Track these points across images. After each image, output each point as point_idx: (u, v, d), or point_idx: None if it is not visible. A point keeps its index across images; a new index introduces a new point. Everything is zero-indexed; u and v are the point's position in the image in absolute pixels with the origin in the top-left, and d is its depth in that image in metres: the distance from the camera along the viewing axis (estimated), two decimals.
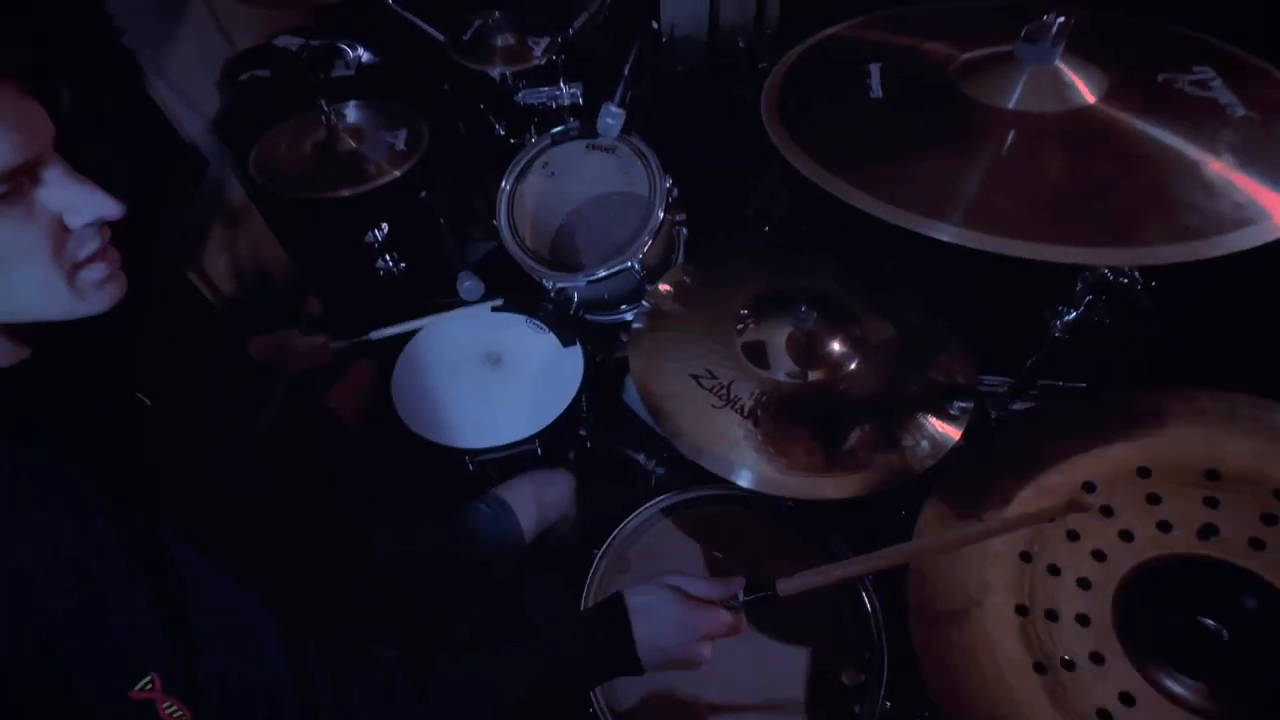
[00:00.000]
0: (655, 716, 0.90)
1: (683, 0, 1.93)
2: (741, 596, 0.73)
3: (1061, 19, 0.64)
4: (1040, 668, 0.64)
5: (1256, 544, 0.65)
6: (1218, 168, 0.60)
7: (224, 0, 1.66)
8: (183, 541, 0.58)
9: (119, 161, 1.38)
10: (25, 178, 0.51)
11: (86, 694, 0.52)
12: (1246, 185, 0.58)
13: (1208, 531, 0.68)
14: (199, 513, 0.62)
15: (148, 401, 0.68)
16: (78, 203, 0.54)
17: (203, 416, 0.76)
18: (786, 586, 0.71)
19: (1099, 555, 0.69)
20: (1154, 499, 0.71)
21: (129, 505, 0.56)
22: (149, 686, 0.52)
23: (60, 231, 0.54)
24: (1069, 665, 0.64)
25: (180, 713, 0.53)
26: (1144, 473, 0.72)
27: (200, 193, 1.67)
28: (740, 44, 1.96)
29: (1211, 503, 0.69)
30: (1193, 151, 0.61)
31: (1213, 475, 0.70)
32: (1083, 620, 0.65)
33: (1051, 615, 0.67)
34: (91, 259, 0.56)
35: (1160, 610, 0.66)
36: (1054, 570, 0.69)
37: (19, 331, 0.59)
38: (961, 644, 0.67)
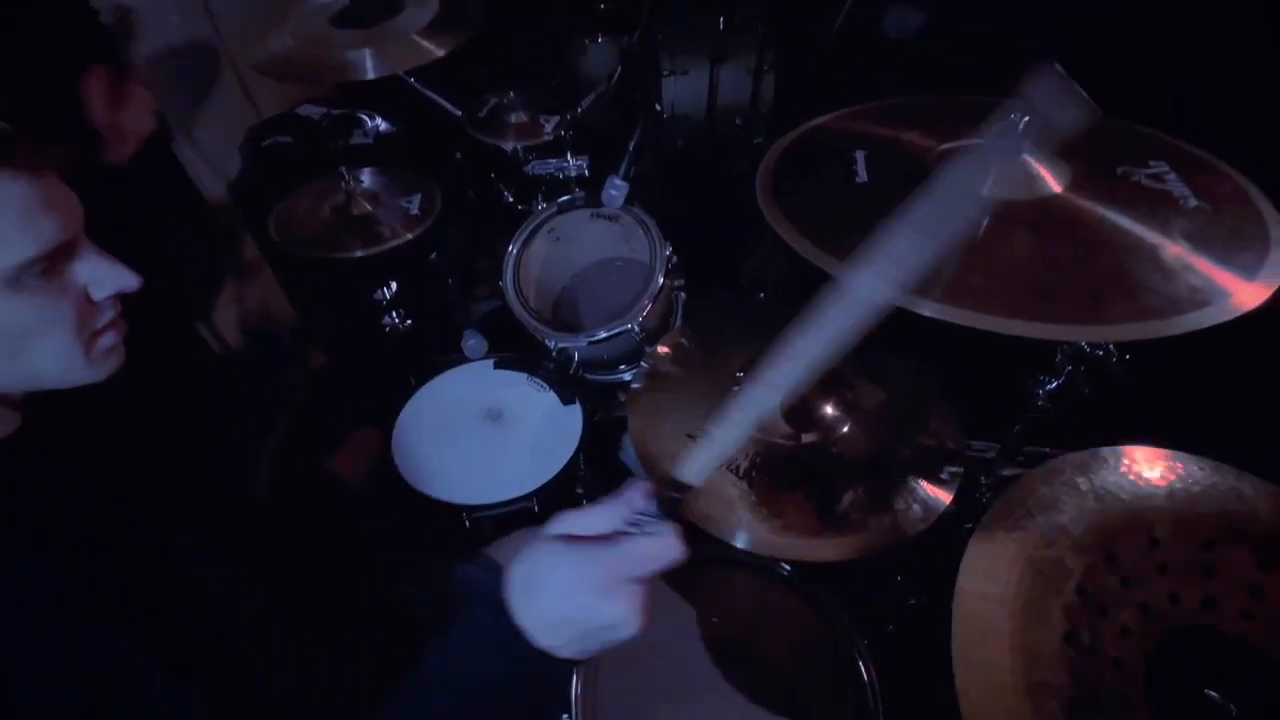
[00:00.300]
0: None
1: (683, 81, 2.06)
2: (654, 506, 0.52)
3: (1026, 118, 0.71)
4: None
5: (1248, 615, 0.65)
6: (1175, 252, 0.65)
7: (253, 71, 1.78)
8: (149, 652, 0.57)
9: (143, 220, 1.45)
10: (61, 256, 0.55)
11: None
12: (1202, 268, 0.64)
13: (1208, 603, 0.66)
14: (177, 617, 0.61)
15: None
16: (104, 277, 0.58)
17: (197, 484, 0.75)
18: (689, 471, 0.52)
19: (1125, 630, 0.66)
20: (1163, 568, 0.69)
21: (93, 606, 0.56)
22: None
23: (85, 304, 0.58)
24: None
25: None
26: (1154, 542, 0.71)
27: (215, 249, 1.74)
28: (737, 121, 2.09)
29: (1209, 571, 0.68)
30: (1151, 238, 0.66)
31: (1209, 545, 0.69)
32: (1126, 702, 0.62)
33: (1094, 702, 0.62)
34: (106, 328, 0.60)
35: (1177, 686, 0.63)
36: (1094, 649, 0.65)
37: (13, 403, 0.60)
38: None
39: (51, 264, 0.54)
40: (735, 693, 0.95)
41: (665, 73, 2.02)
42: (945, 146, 0.78)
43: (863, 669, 0.95)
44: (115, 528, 0.62)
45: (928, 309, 0.62)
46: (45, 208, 0.53)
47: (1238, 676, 0.64)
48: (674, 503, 0.52)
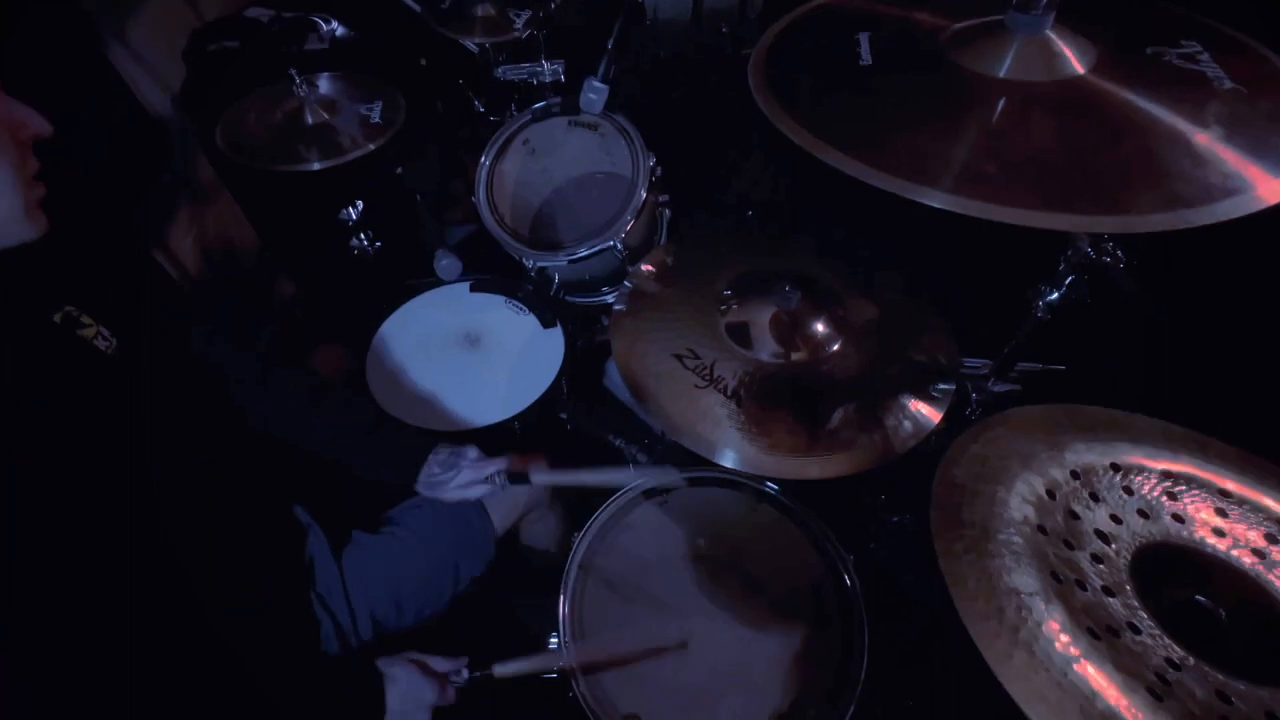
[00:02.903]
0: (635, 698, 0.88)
1: None
2: (465, 675, 0.85)
3: None
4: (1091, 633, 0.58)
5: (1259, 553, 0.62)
6: (1204, 139, 0.59)
7: None
8: None
9: (78, 135, 1.32)
10: None
11: None
12: (1231, 158, 0.58)
13: (1116, 521, 0.66)
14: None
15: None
16: (25, 116, 0.60)
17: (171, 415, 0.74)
18: (502, 670, 0.86)
19: (1116, 519, 0.66)
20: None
21: None
22: None
23: (19, 144, 0.59)
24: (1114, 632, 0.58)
25: None
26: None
27: (167, 168, 1.61)
28: (723, 30, 1.95)
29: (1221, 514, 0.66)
30: (1180, 123, 0.60)
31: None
32: (1108, 592, 0.61)
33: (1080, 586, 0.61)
34: (37, 178, 0.61)
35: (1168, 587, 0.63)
36: (1069, 545, 0.64)
37: None
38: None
39: None
40: (723, 610, 0.95)
41: None
42: (959, 25, 0.70)
43: (849, 584, 0.95)
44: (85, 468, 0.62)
45: (935, 199, 0.57)
46: None
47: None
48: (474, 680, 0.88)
